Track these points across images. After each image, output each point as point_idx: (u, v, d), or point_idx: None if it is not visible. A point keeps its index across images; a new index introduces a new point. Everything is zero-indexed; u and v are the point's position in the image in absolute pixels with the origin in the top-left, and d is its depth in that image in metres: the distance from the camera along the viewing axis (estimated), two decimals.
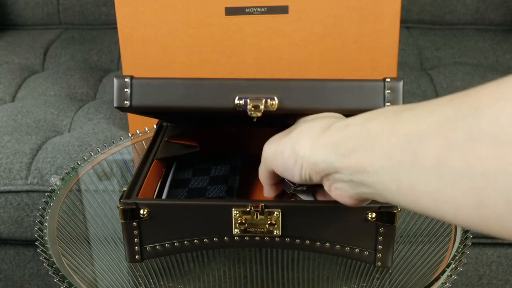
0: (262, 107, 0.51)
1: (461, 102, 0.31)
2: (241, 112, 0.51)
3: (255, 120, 0.52)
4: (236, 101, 0.51)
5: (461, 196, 0.29)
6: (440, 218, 0.33)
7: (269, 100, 0.51)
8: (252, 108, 0.51)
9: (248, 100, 0.51)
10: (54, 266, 0.58)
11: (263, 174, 0.53)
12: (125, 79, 0.52)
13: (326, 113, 0.51)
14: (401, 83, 0.52)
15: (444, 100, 0.33)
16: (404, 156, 0.34)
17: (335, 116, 0.49)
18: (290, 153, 0.46)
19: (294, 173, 0.46)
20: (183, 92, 0.52)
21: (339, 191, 0.43)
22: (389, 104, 0.51)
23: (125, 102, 0.53)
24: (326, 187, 0.45)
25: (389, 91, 0.51)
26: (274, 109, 0.51)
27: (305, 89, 0.52)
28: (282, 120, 0.57)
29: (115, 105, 0.53)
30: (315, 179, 0.45)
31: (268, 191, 0.56)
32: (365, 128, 0.39)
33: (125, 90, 0.52)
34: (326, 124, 0.45)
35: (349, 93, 0.52)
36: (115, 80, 0.52)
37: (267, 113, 0.51)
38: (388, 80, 0.52)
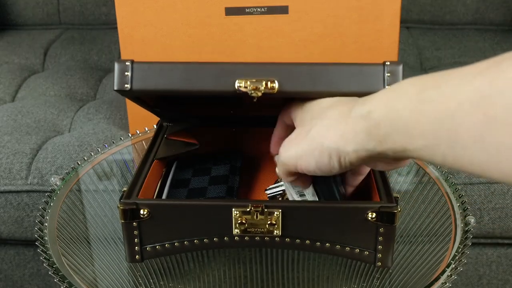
0: (262, 88, 0.50)
1: (493, 75, 0.31)
2: (241, 94, 0.51)
3: (255, 100, 0.52)
4: (237, 84, 0.51)
5: (508, 165, 0.31)
6: (489, 179, 0.37)
7: (269, 83, 0.51)
8: (252, 90, 0.51)
9: (249, 82, 0.51)
10: (54, 266, 0.58)
11: (283, 175, 0.53)
12: (126, 63, 0.52)
13: (328, 101, 0.50)
14: (400, 67, 0.52)
15: (471, 72, 0.34)
16: (441, 134, 0.35)
17: (344, 102, 0.48)
18: (322, 150, 0.46)
19: (333, 166, 0.46)
20: (183, 76, 0.52)
21: (387, 164, 0.46)
22: (388, 86, 0.51)
23: (126, 85, 0.52)
24: (370, 165, 0.47)
25: (389, 74, 0.52)
26: (275, 92, 0.51)
27: (306, 72, 0.52)
28: (282, 103, 0.57)
29: (115, 88, 0.52)
30: (358, 164, 0.46)
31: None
32: (392, 112, 0.39)
33: (126, 73, 0.52)
34: (343, 112, 0.45)
35: (349, 76, 0.52)
36: (116, 64, 0.52)
37: (267, 95, 0.51)
38: (388, 63, 0.52)
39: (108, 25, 1.54)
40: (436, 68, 1.33)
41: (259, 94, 0.51)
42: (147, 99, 0.60)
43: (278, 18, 0.92)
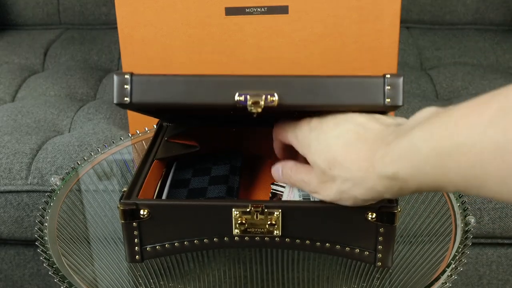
0: (262, 103, 0.51)
1: (505, 125, 0.34)
2: (241, 108, 0.51)
3: (255, 115, 0.52)
4: (236, 98, 0.51)
5: None
6: None
7: (269, 96, 0.51)
8: (252, 104, 0.51)
9: (248, 96, 0.51)
10: (54, 266, 0.58)
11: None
12: (125, 76, 0.52)
13: (333, 140, 0.48)
14: (401, 79, 0.52)
15: (481, 121, 0.36)
16: (469, 183, 0.38)
17: (357, 150, 0.47)
18: (356, 201, 0.48)
19: (367, 194, 0.47)
20: (183, 89, 0.52)
21: None
22: (389, 100, 0.51)
23: (125, 98, 0.52)
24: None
25: (389, 87, 0.51)
26: (275, 105, 0.51)
27: (306, 85, 0.52)
28: (282, 117, 0.57)
29: (115, 102, 0.53)
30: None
31: None
32: (418, 172, 0.41)
33: (125, 86, 0.52)
34: (366, 170, 0.45)
35: (349, 89, 0.52)
36: (115, 77, 0.52)
37: (267, 109, 0.51)
38: (388, 76, 0.52)
39: (108, 25, 1.54)
40: (436, 68, 1.33)
41: (259, 110, 0.51)
42: (148, 110, 0.61)
43: (278, 18, 0.92)
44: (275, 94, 0.51)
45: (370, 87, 0.52)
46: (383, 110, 0.52)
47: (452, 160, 0.38)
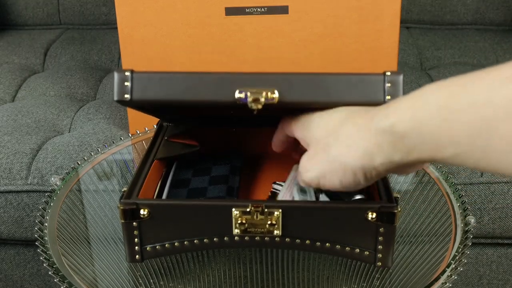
0: (262, 99, 0.51)
1: None
2: (241, 105, 0.51)
3: (255, 112, 0.52)
4: (237, 95, 0.51)
5: None
6: None
7: (269, 93, 0.51)
8: (253, 101, 0.51)
9: (249, 93, 0.51)
10: (54, 266, 0.58)
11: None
12: (126, 73, 0.52)
13: (339, 115, 0.49)
14: (401, 77, 0.52)
15: (498, 77, 0.34)
16: (476, 142, 0.35)
17: (358, 114, 0.47)
18: (346, 169, 0.46)
19: (358, 183, 0.47)
20: (183, 86, 0.52)
21: (412, 168, 0.46)
22: (389, 97, 0.51)
23: (126, 96, 0.52)
24: (396, 173, 0.47)
25: (389, 85, 0.51)
26: (275, 102, 0.51)
27: (306, 82, 0.52)
28: (282, 114, 0.57)
29: (115, 99, 0.52)
30: (385, 174, 0.46)
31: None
32: (419, 124, 0.39)
33: (126, 84, 0.52)
34: (361, 127, 0.44)
35: (349, 86, 0.52)
36: (115, 74, 0.52)
37: (267, 106, 0.51)
38: (388, 73, 0.52)
39: (108, 25, 1.54)
40: (436, 68, 1.33)
41: (259, 106, 0.51)
42: (148, 107, 0.61)
43: (278, 18, 0.92)
44: (275, 91, 0.51)
45: (370, 84, 0.52)
46: None
47: (462, 115, 0.36)
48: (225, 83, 0.52)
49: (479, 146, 0.35)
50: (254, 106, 0.51)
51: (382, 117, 0.42)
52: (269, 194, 0.66)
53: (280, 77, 0.52)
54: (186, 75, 0.52)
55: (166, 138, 0.69)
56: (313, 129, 0.50)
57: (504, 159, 0.34)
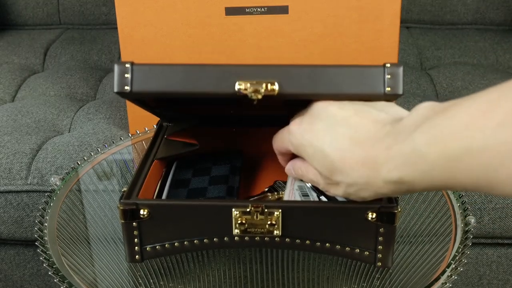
0: (262, 90, 0.51)
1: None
2: (241, 97, 0.51)
3: (255, 102, 0.52)
4: (237, 86, 0.51)
5: None
6: None
7: (269, 85, 0.51)
8: (253, 92, 0.51)
9: (249, 84, 0.51)
10: (54, 266, 0.58)
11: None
12: (126, 65, 0.52)
13: (335, 155, 0.47)
14: (401, 69, 0.52)
15: (486, 124, 0.35)
16: (479, 184, 0.37)
17: (361, 159, 0.45)
18: (362, 199, 0.48)
19: (375, 195, 0.47)
20: (183, 78, 0.52)
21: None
22: (389, 89, 0.51)
23: (126, 87, 0.52)
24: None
25: (389, 76, 0.51)
26: (275, 94, 0.51)
27: (306, 73, 0.52)
28: (282, 106, 0.57)
29: (115, 90, 0.52)
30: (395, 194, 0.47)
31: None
32: (425, 176, 0.40)
33: (126, 75, 0.52)
34: (369, 177, 0.44)
35: (349, 78, 0.52)
36: (116, 66, 0.52)
37: (267, 98, 0.51)
38: (388, 65, 0.52)
39: (108, 25, 1.54)
40: (436, 68, 1.33)
41: (259, 96, 0.51)
42: (148, 100, 0.60)
43: (278, 18, 0.92)
44: (275, 83, 0.51)
45: (370, 76, 0.52)
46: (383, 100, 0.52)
47: (462, 164, 0.37)
48: (226, 75, 0.52)
49: (484, 187, 0.37)
50: (254, 96, 0.51)
51: (387, 173, 0.43)
52: (265, 189, 0.67)
53: (280, 69, 0.52)
54: (186, 67, 0.52)
55: (165, 137, 0.69)
56: (311, 159, 0.49)
57: (507, 190, 0.36)
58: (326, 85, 0.52)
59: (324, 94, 0.52)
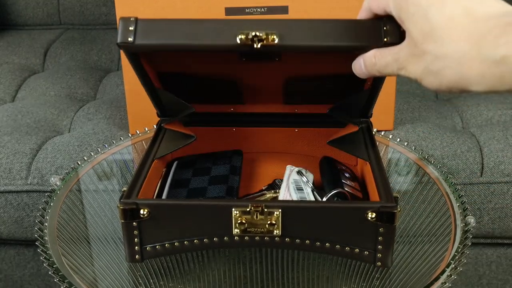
0: (263, 36, 0.51)
1: None
2: (242, 47, 0.52)
3: (257, 46, 0.52)
4: (238, 37, 0.51)
5: None
6: None
7: (269, 36, 0.51)
8: (255, 39, 0.51)
9: (250, 36, 0.51)
10: (54, 266, 0.58)
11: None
12: (131, 18, 0.53)
13: (449, 18, 0.41)
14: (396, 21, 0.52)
15: None
16: None
17: (467, 34, 0.40)
18: (441, 84, 0.42)
19: (458, 79, 0.41)
20: (185, 31, 0.53)
21: None
22: (387, 39, 0.50)
23: (129, 39, 0.53)
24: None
25: (386, 27, 0.51)
26: (275, 44, 0.52)
27: (305, 25, 0.52)
28: (282, 56, 0.57)
29: (118, 41, 0.53)
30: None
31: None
32: None
33: (130, 28, 0.53)
34: (467, 53, 0.39)
35: (348, 30, 0.52)
36: (120, 20, 0.53)
37: (268, 48, 0.52)
38: (385, 18, 0.52)
39: (108, 25, 1.54)
40: None
41: (259, 46, 0.51)
42: (148, 60, 0.60)
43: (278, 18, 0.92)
44: (275, 35, 0.52)
45: (369, 28, 0.52)
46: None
47: None
48: (227, 27, 0.52)
49: None
50: (256, 45, 0.51)
51: (493, 47, 0.38)
52: (264, 187, 0.67)
53: (280, 22, 0.53)
54: (188, 20, 0.53)
55: (163, 124, 0.68)
56: (410, 17, 0.44)
57: None
58: (325, 37, 0.52)
59: (324, 46, 0.52)
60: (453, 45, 0.40)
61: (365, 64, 0.51)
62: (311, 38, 0.52)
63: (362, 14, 0.53)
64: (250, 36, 0.51)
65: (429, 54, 0.42)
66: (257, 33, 0.51)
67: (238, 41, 0.51)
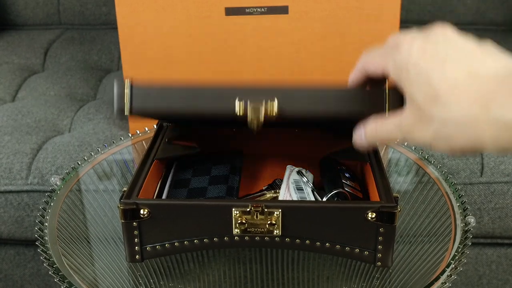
0: (262, 111, 0.50)
1: None
2: (241, 118, 0.51)
3: (255, 129, 0.52)
4: (236, 108, 0.51)
5: None
6: None
7: (269, 102, 0.51)
8: (253, 116, 0.51)
9: (248, 105, 0.50)
10: (54, 266, 0.58)
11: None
12: (125, 84, 0.52)
13: (453, 80, 0.40)
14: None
15: None
16: None
17: (474, 96, 0.39)
18: (452, 148, 0.41)
19: (469, 142, 0.40)
20: (182, 98, 0.52)
21: None
22: (389, 108, 0.50)
23: (125, 107, 0.53)
24: None
25: (390, 97, 0.50)
26: (274, 115, 0.51)
27: (305, 94, 0.51)
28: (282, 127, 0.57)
29: (115, 110, 0.52)
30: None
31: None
32: None
33: (125, 95, 0.52)
34: (476, 114, 0.38)
35: (350, 99, 0.51)
36: (115, 86, 0.52)
37: (267, 120, 0.51)
38: (389, 89, 0.51)
39: (108, 25, 1.54)
40: None
41: (259, 123, 0.51)
42: (148, 117, 0.61)
43: (278, 18, 0.92)
44: (275, 99, 0.51)
45: (372, 97, 0.51)
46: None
47: None
48: (225, 96, 0.51)
49: None
50: (253, 123, 0.51)
51: (503, 110, 0.37)
52: (264, 187, 0.67)
53: (279, 90, 0.51)
54: (185, 87, 0.52)
55: (166, 140, 0.69)
56: (410, 82, 0.42)
57: None
58: (325, 107, 0.51)
59: (324, 117, 0.52)
60: (461, 109, 0.39)
61: (366, 132, 0.49)
62: (311, 108, 0.51)
63: (355, 75, 0.52)
64: (249, 115, 0.50)
65: (437, 119, 0.40)
66: (255, 110, 0.50)
67: (236, 112, 0.51)
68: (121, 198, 0.55)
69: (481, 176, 0.95)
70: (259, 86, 0.52)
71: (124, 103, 0.52)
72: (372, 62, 0.49)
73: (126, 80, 0.52)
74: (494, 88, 0.38)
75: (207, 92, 0.52)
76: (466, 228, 0.62)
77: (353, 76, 0.52)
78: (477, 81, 0.39)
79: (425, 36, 0.43)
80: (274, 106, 0.50)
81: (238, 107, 0.50)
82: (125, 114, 0.53)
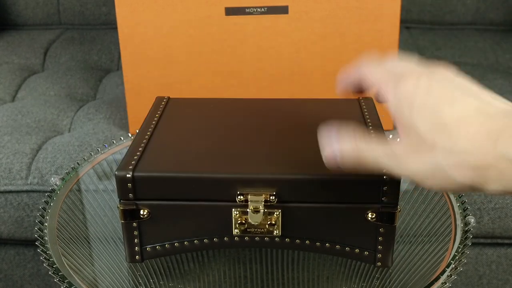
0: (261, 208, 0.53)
1: None
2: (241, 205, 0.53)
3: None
4: (237, 199, 0.53)
5: None
6: None
7: (269, 196, 0.53)
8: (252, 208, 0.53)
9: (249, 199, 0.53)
10: (54, 266, 0.58)
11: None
12: (127, 175, 0.53)
13: (456, 113, 0.39)
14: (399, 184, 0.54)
15: None
16: None
17: (478, 129, 0.38)
18: (452, 183, 0.39)
19: (471, 177, 0.38)
20: (183, 188, 0.54)
21: None
22: (384, 199, 0.53)
23: (130, 195, 0.54)
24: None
25: (385, 188, 0.53)
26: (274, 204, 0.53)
27: (305, 186, 0.53)
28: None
29: (119, 199, 0.54)
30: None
31: None
32: None
33: (128, 185, 0.54)
34: (481, 146, 0.37)
35: (347, 189, 0.53)
36: (116, 176, 0.54)
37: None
38: (385, 177, 0.53)
39: (108, 25, 1.54)
40: None
41: (259, 221, 0.53)
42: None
43: (278, 18, 0.92)
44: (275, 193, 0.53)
45: (367, 187, 0.53)
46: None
47: None
48: (225, 187, 0.53)
49: None
50: (253, 221, 0.53)
51: (508, 145, 0.36)
52: None
53: (279, 181, 0.53)
54: (186, 176, 0.54)
55: None
56: (415, 112, 0.40)
57: None
58: (326, 196, 0.53)
59: (324, 207, 0.54)
60: (469, 139, 0.37)
61: (343, 154, 0.43)
62: (310, 199, 0.54)
63: (349, 81, 0.52)
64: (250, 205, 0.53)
65: (440, 148, 0.38)
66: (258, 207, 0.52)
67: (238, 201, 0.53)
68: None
69: None
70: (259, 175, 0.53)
71: (127, 192, 0.54)
72: (371, 78, 0.47)
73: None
74: (502, 125, 0.37)
75: (208, 182, 0.54)
76: (466, 228, 0.62)
77: (346, 82, 0.52)
78: (486, 116, 0.38)
79: (431, 74, 0.42)
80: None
81: (238, 199, 0.54)
82: (130, 203, 0.55)
